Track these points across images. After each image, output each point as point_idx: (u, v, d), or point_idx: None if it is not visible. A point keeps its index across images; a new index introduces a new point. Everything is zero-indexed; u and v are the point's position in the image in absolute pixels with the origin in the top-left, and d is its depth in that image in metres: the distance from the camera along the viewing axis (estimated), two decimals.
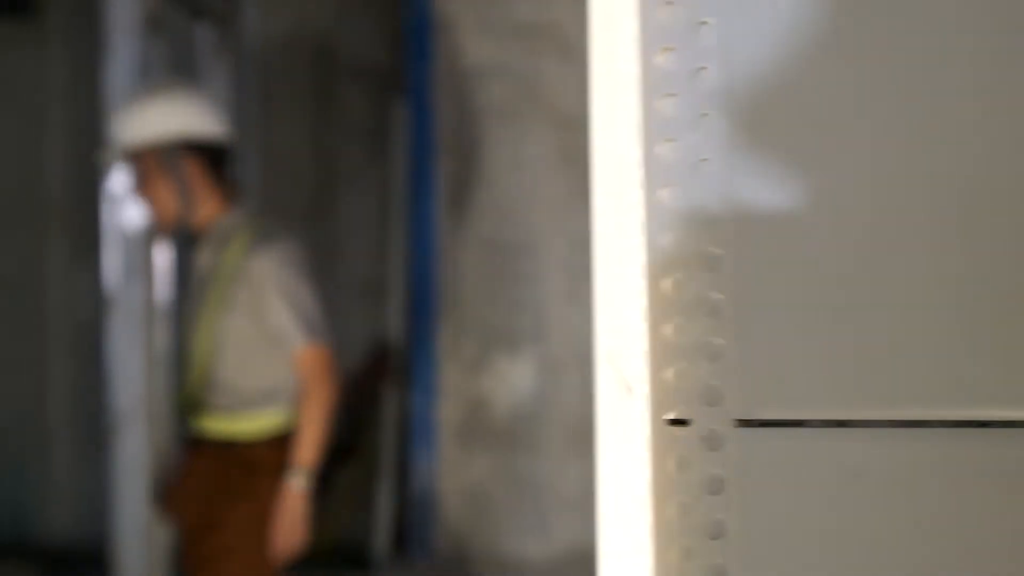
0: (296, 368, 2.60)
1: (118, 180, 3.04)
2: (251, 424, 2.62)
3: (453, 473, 4.06)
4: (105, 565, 3.97)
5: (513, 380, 4.06)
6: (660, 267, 0.82)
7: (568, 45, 4.06)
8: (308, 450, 2.60)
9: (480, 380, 4.06)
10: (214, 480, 2.64)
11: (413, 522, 4.13)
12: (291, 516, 2.58)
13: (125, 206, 3.08)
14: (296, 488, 2.59)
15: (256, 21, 4.38)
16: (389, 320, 4.61)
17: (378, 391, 4.59)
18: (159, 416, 3.64)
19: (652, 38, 0.82)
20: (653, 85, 0.82)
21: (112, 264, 3.49)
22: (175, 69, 3.12)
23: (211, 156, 2.58)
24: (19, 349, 4.62)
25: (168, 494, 2.78)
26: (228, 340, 2.59)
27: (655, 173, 0.82)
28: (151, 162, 2.52)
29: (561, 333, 4.07)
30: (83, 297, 4.54)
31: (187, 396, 2.68)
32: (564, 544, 4.05)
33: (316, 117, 4.77)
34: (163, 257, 3.60)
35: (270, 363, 2.60)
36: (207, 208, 2.59)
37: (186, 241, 2.70)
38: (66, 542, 4.58)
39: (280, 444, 2.63)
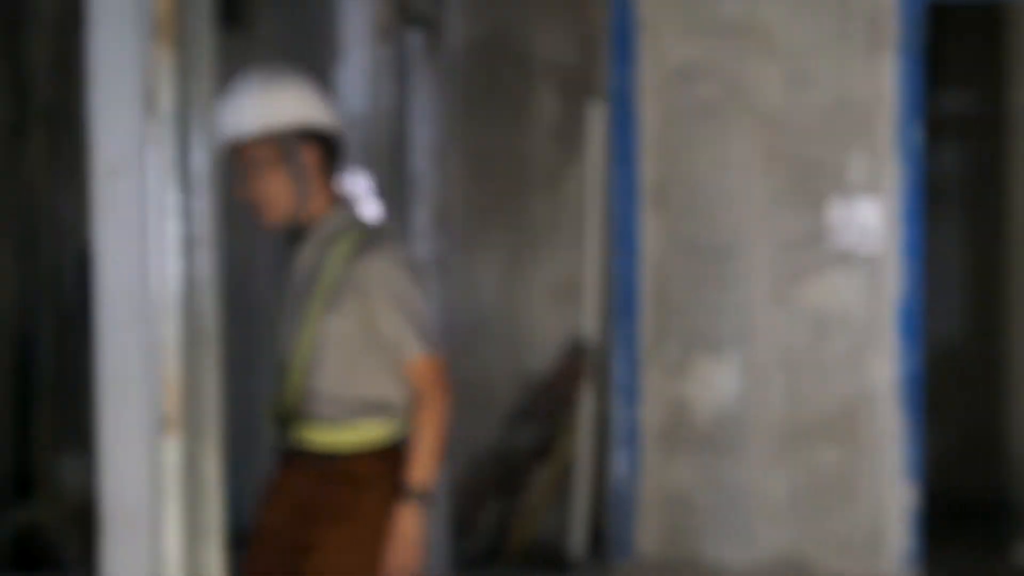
0: (410, 378, 2.40)
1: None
2: (354, 435, 2.41)
3: (654, 476, 4.03)
4: None
5: (717, 384, 4.01)
6: None
7: (774, 44, 3.98)
8: (423, 468, 2.37)
9: (682, 383, 4.02)
10: (312, 496, 2.42)
11: (612, 525, 4.12)
12: (405, 539, 2.37)
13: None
14: (410, 509, 2.37)
15: (456, 25, 4.45)
16: (584, 321, 4.62)
17: (573, 392, 4.60)
18: None
19: None
20: None
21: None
22: (395, 75, 3.19)
23: (326, 148, 2.40)
24: (229, 344, 4.78)
25: (259, 511, 2.53)
26: (331, 346, 2.39)
27: None
28: (268, 152, 2.35)
29: (766, 337, 4.00)
30: None
31: (283, 404, 2.46)
32: (769, 552, 3.97)
33: (512, 119, 4.81)
34: None
35: (377, 372, 2.40)
36: (316, 204, 2.40)
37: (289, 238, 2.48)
38: None
39: (387, 457, 2.41)
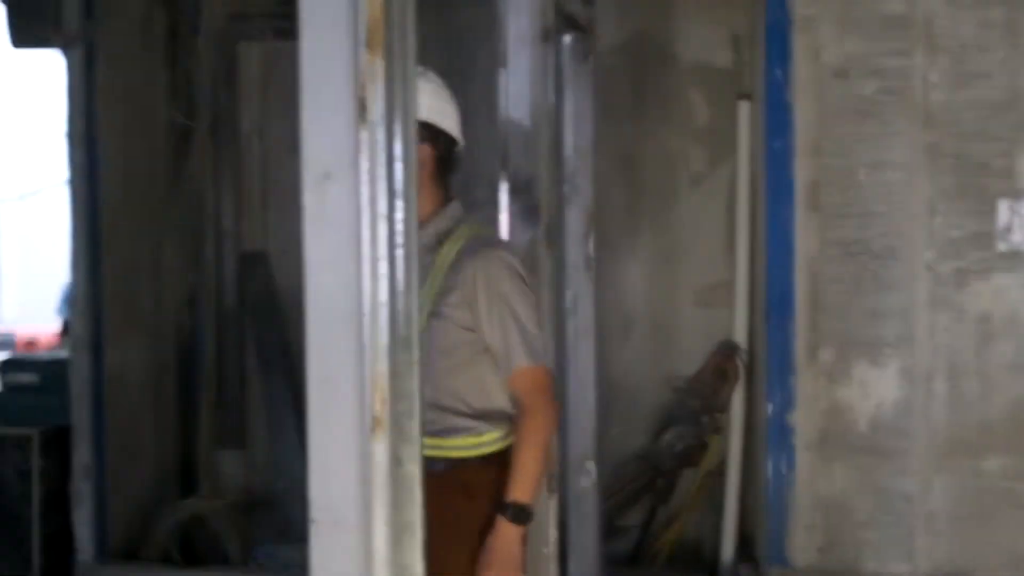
0: (512, 389, 2.32)
1: None
2: (467, 443, 2.35)
3: (809, 482, 3.95)
4: None
5: (875, 389, 3.90)
6: None
7: (936, 38, 3.86)
8: (524, 484, 2.29)
9: (839, 389, 3.93)
10: (427, 507, 2.35)
11: (765, 532, 4.05)
12: (504, 557, 2.29)
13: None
14: (510, 525, 2.29)
15: (604, 27, 4.43)
16: (735, 324, 4.55)
17: (722, 396, 4.54)
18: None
19: None
20: None
21: (567, 286, 3.66)
22: (552, 79, 3.19)
23: (443, 152, 2.38)
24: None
25: None
26: (439, 353, 2.30)
27: None
28: None
29: (928, 341, 3.87)
30: None
31: None
32: (930, 565, 3.84)
33: (660, 120, 4.77)
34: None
35: (486, 379, 2.33)
36: (423, 204, 2.31)
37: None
38: None
39: (499, 465, 2.34)
